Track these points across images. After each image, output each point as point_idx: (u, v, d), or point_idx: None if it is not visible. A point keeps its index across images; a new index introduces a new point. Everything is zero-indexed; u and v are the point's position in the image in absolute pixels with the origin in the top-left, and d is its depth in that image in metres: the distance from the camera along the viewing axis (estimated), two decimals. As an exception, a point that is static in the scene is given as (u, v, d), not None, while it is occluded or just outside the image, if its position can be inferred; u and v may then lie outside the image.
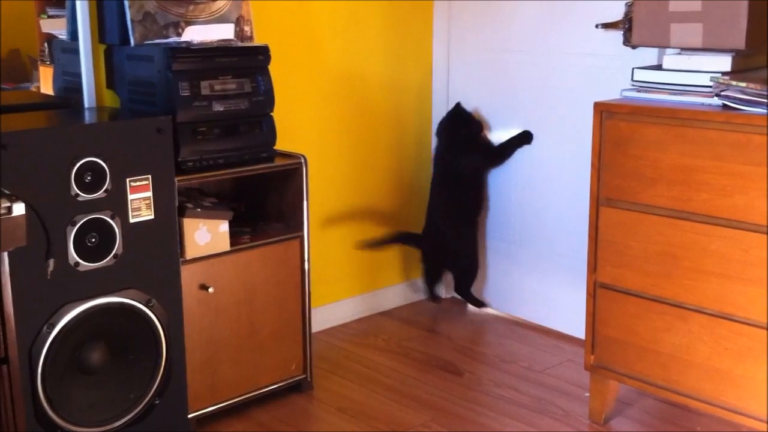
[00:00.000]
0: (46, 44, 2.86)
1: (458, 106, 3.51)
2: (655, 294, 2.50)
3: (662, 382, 2.53)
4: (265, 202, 2.93)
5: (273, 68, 2.73)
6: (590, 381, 2.73)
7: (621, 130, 2.50)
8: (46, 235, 2.21)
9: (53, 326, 2.25)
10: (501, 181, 3.52)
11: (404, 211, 3.71)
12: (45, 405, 2.27)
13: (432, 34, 3.67)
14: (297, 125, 3.22)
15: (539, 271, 3.45)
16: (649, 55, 2.84)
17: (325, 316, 3.44)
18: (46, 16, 2.84)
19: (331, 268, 3.48)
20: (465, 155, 3.45)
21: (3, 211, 1.92)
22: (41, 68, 2.87)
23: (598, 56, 3.09)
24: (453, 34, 3.61)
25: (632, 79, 2.59)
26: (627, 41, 2.86)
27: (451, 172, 3.49)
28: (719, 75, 2.37)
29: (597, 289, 2.63)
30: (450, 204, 3.50)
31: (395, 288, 3.73)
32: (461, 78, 3.62)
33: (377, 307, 3.68)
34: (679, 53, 2.51)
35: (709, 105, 2.38)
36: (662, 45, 2.53)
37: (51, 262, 2.22)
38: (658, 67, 2.55)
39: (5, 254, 2.01)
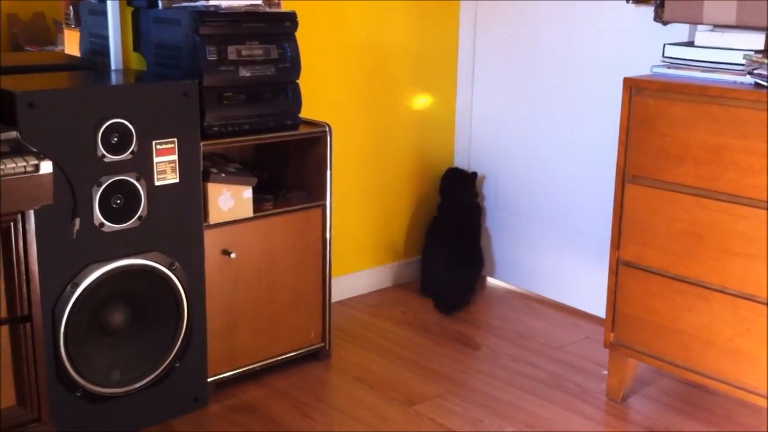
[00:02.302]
0: (71, 7, 2.85)
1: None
2: (678, 273, 2.48)
3: (682, 362, 2.52)
4: (286, 170, 2.93)
5: (299, 36, 2.71)
6: (609, 359, 2.73)
7: (649, 106, 2.48)
8: (72, 194, 2.22)
9: (77, 286, 2.27)
10: (525, 156, 3.50)
11: (424, 184, 3.70)
12: (67, 364, 2.28)
13: (459, 5, 3.64)
14: (320, 94, 3.20)
15: (560, 249, 3.43)
16: (680, 31, 2.81)
17: (343, 287, 3.45)
18: (73, -21, 2.83)
19: (350, 239, 3.47)
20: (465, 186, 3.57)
21: (30, 169, 1.94)
22: (66, 31, 2.87)
23: (627, 32, 3.05)
24: (480, 6, 3.58)
25: (663, 56, 2.55)
26: (658, 17, 2.83)
27: (453, 211, 3.56)
28: (752, 53, 2.34)
29: (619, 267, 2.61)
30: (447, 251, 3.50)
31: (414, 260, 3.73)
32: (488, 51, 3.59)
33: (396, 279, 3.68)
34: (712, 30, 2.47)
35: (741, 83, 2.35)
36: (694, 21, 2.50)
37: (77, 221, 2.23)
38: (690, 44, 2.52)
39: (31, 212, 2.03)
